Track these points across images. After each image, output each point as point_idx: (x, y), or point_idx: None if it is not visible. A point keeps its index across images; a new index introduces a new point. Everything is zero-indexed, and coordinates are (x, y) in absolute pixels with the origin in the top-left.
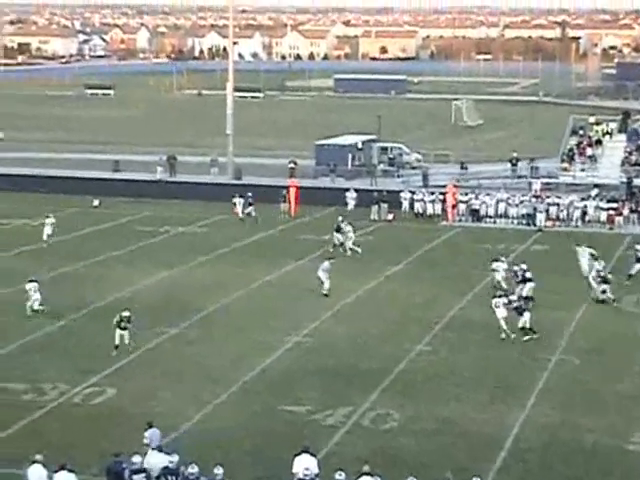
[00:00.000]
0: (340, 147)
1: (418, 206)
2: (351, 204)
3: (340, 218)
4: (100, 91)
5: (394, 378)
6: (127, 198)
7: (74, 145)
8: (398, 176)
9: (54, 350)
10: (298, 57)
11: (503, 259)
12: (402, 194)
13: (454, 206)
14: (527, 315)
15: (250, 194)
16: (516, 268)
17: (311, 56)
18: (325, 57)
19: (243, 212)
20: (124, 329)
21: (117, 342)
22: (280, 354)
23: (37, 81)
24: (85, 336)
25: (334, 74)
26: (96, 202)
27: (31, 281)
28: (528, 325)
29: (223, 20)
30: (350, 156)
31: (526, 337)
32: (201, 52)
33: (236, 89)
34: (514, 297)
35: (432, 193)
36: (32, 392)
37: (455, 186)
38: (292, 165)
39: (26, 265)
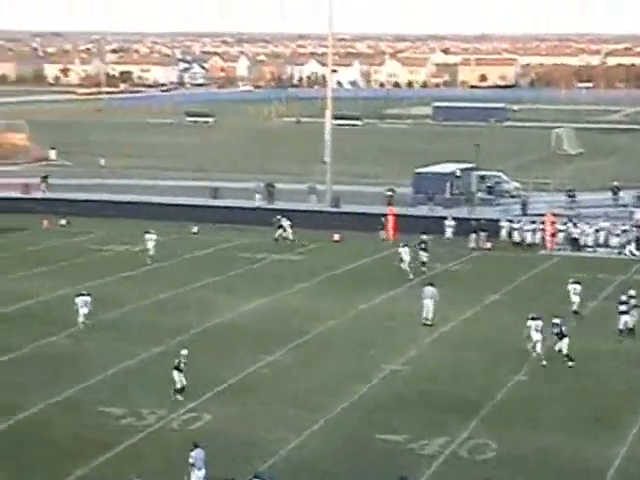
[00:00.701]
0: (439, 175)
1: (517, 235)
2: (449, 232)
3: (424, 237)
4: (200, 119)
5: (492, 408)
6: (225, 225)
7: (174, 172)
8: (497, 204)
9: (151, 375)
10: (397, 85)
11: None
12: (501, 222)
13: (553, 235)
14: (566, 341)
15: (279, 217)
16: (623, 297)
17: (410, 84)
18: (424, 85)
19: (279, 236)
20: (181, 370)
21: (179, 384)
22: (376, 382)
23: (138, 109)
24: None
25: (433, 102)
26: (195, 228)
27: (80, 295)
28: (565, 351)
29: (322, 48)
30: (448, 184)
31: (570, 363)
32: (300, 80)
33: (335, 117)
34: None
35: (531, 222)
36: (130, 416)
37: (554, 214)
38: (390, 193)
39: (127, 290)
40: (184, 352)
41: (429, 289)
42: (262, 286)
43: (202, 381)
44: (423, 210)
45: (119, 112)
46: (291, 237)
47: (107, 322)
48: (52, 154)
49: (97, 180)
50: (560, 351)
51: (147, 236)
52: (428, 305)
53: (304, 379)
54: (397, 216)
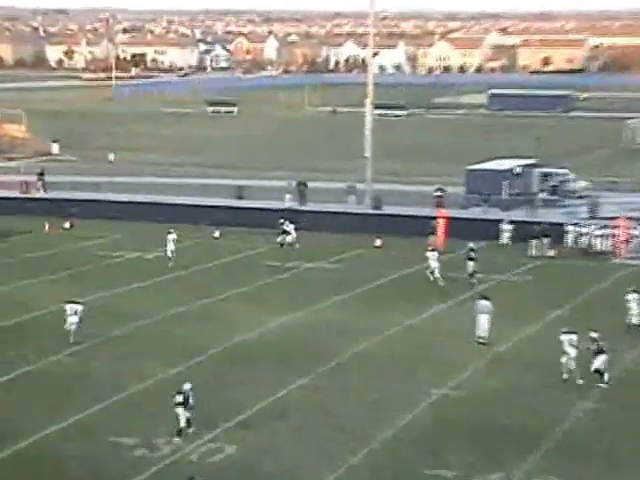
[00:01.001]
0: (495, 173)
1: (584, 241)
2: (506, 238)
3: (471, 245)
4: (223, 108)
5: (556, 439)
6: (251, 229)
7: (193, 169)
8: (561, 206)
9: (167, 400)
10: (447, 70)
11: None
12: (566, 227)
13: (626, 241)
14: (603, 358)
15: (282, 220)
16: None
17: (462, 69)
18: (478, 70)
19: (283, 241)
20: (190, 407)
21: (183, 423)
22: (423, 408)
23: (152, 96)
24: (201, 386)
25: (488, 89)
26: (217, 233)
27: (70, 302)
28: (601, 369)
29: (362, 28)
30: (506, 183)
31: (602, 384)
32: (337, 64)
33: (376, 106)
34: None
35: (601, 226)
36: (144, 447)
37: (627, 218)
38: (439, 193)
39: (140, 302)
40: (187, 387)
41: (483, 303)
42: (292, 299)
43: (224, 407)
44: (476, 213)
45: (130, 100)
46: (297, 244)
47: (118, 338)
48: (54, 148)
49: (105, 178)
50: (597, 371)
51: (169, 237)
52: (482, 321)
53: (341, 405)
54: (448, 219)
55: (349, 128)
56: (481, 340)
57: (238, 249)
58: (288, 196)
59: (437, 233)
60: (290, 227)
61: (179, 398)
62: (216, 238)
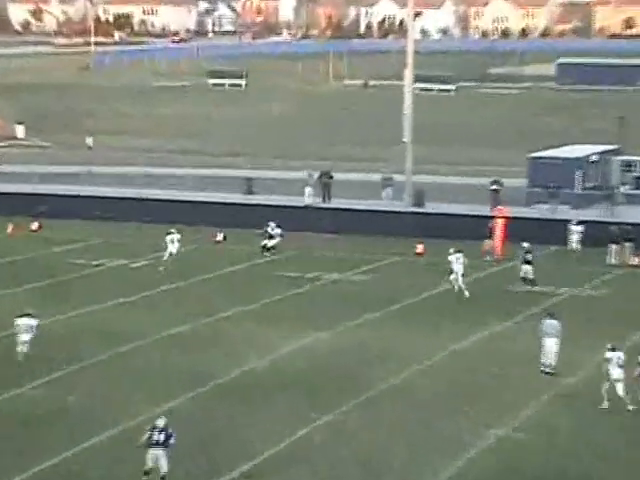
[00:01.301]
0: (564, 162)
1: None
2: (574, 242)
3: (526, 245)
4: (228, 81)
5: None
6: (262, 230)
7: (191, 157)
8: None
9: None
10: (505, 34)
11: None
12: None
13: None
14: None
15: (270, 223)
16: None
17: (524, 32)
18: (544, 33)
19: (265, 246)
20: (159, 445)
21: (149, 465)
22: (478, 453)
23: (140, 67)
24: (202, 424)
25: (557, 58)
26: (220, 236)
27: (22, 316)
28: None
29: None
30: (579, 174)
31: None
32: (368, 27)
33: (418, 79)
34: None
35: None
36: None
37: None
38: (495, 187)
39: (127, 322)
40: (161, 422)
41: (550, 323)
42: (314, 317)
43: (230, 451)
44: (542, 210)
45: (113, 72)
46: (274, 248)
47: (100, 366)
48: (19, 130)
49: (82, 167)
50: None
51: (169, 237)
52: (549, 346)
53: (375, 447)
54: (507, 219)
55: (384, 106)
56: (547, 369)
57: (246, 256)
58: (308, 190)
59: (493, 236)
60: (276, 231)
61: (153, 437)
62: (218, 242)
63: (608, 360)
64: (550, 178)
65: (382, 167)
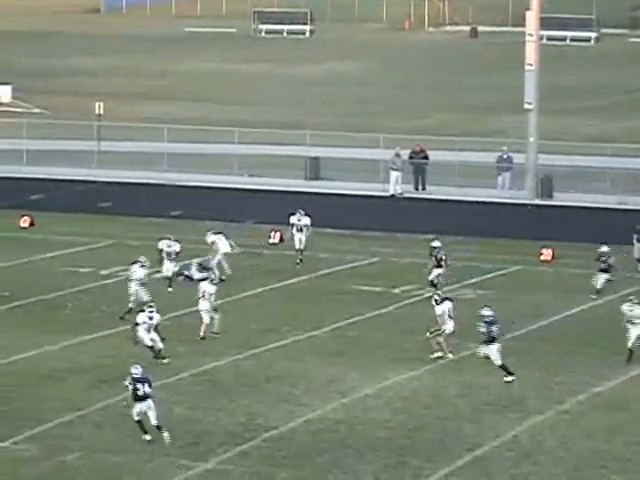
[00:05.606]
0: None
1: None
2: None
3: (603, 249)
4: (286, 27)
5: None
6: (333, 230)
7: (235, 130)
8: None
9: None
10: None
11: None
12: None
13: None
14: None
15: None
16: None
17: None
18: None
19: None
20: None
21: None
22: None
23: (165, 8)
24: None
25: None
26: (276, 237)
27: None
28: None
29: None
30: None
31: None
32: None
33: (545, 24)
34: None
35: None
36: None
37: None
38: None
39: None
40: (137, 371)
41: None
42: (400, 348)
43: None
44: None
45: (131, 14)
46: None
47: (113, 413)
48: (5, 92)
49: (89, 143)
50: None
51: (211, 238)
52: None
53: None
54: None
55: (497, 60)
56: None
57: (309, 263)
58: (395, 175)
59: None
60: (305, 221)
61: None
62: (274, 244)
63: None
64: None
65: (495, 145)
